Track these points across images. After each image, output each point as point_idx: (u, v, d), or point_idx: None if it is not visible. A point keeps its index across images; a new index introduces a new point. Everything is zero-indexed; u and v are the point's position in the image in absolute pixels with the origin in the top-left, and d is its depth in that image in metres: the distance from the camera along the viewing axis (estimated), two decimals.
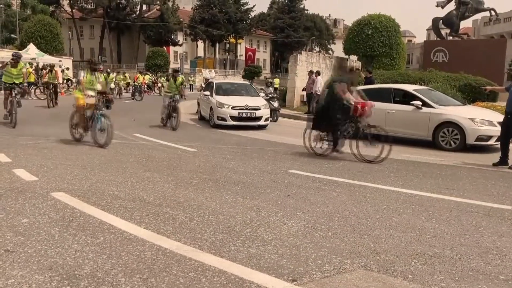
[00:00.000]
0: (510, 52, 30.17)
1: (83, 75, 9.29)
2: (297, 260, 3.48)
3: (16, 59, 11.72)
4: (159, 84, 34.27)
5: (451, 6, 27.33)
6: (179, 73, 13.83)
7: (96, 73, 9.40)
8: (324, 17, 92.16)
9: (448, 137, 10.05)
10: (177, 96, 12.69)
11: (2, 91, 16.04)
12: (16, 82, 11.51)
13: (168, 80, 13.15)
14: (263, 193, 5.61)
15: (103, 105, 9.10)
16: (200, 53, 68.49)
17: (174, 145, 9.51)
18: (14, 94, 11.24)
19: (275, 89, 24.72)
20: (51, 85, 18.69)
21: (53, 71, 19.63)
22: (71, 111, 9.55)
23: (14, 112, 11.05)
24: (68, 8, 59.46)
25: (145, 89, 30.21)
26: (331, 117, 8.43)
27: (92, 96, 9.00)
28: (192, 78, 43.41)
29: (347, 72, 8.11)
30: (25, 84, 12.39)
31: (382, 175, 7.02)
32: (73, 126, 9.36)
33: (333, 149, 8.53)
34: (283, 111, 18.22)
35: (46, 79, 19.54)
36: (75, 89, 9.62)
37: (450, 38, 27.99)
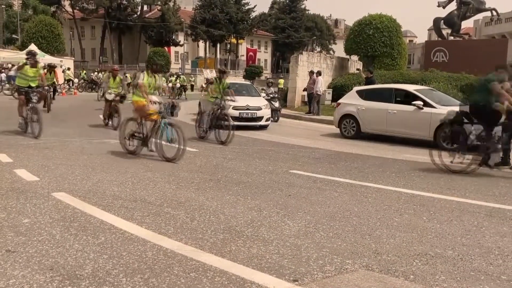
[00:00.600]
0: (511, 52, 30.11)
1: (142, 77, 8.07)
2: (298, 260, 3.47)
3: (34, 58, 10.20)
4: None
5: (453, 6, 27.30)
6: (227, 74, 11.65)
7: (156, 75, 8.22)
8: (325, 17, 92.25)
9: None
10: (223, 101, 10.52)
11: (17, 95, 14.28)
12: (32, 85, 9.97)
13: (209, 82, 10.94)
14: (264, 193, 5.61)
15: (168, 111, 7.80)
16: (201, 53, 68.53)
17: (175, 145, 9.48)
18: (32, 100, 9.69)
19: (280, 89, 24.74)
20: (49, 87, 16.68)
21: (52, 72, 18.35)
22: (122, 119, 8.81)
23: (35, 120, 9.52)
24: (69, 9, 59.50)
25: None
26: (487, 123, 7.34)
27: (156, 102, 7.78)
28: (193, 79, 43.48)
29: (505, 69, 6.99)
30: (46, 87, 10.97)
31: (384, 175, 7.01)
32: (127, 137, 8.07)
33: (483, 162, 7.32)
34: (284, 111, 18.22)
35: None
36: (133, 93, 8.17)
37: (452, 38, 27.96)
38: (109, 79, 12.68)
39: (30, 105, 9.65)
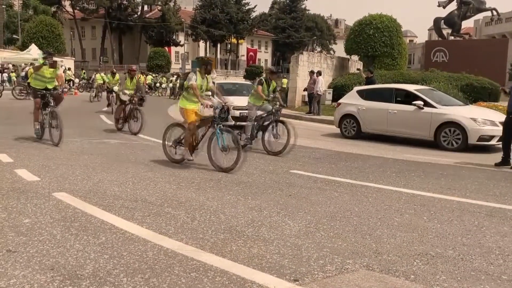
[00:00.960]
0: None
1: (195, 78, 7.09)
2: (299, 260, 3.47)
3: (52, 58, 9.26)
4: (158, 85, 34.27)
5: (453, 6, 27.33)
6: (277, 75, 10.12)
7: (208, 76, 7.36)
8: (326, 17, 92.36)
9: (450, 137, 10.03)
10: (275, 106, 9.08)
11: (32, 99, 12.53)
12: (49, 87, 9.16)
13: (260, 83, 9.39)
14: (264, 193, 5.61)
15: (221, 116, 6.94)
16: (202, 53, 68.52)
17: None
18: (50, 104, 8.89)
19: (283, 89, 24.70)
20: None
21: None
22: (164, 124, 8.07)
23: (54, 126, 8.73)
24: (69, 9, 59.55)
25: (146, 89, 30.28)
26: None
27: (211, 107, 6.95)
28: (139, 77, 43.49)
29: None
30: (64, 88, 9.88)
31: (384, 175, 7.01)
32: (173, 145, 7.35)
33: None
34: (284, 111, 18.18)
35: None
36: (181, 97, 7.35)
37: (452, 38, 27.98)
38: (125, 79, 11.94)
39: (49, 109, 8.85)
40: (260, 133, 9.09)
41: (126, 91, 11.50)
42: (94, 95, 23.75)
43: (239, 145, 6.95)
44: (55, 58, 9.41)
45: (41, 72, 9.01)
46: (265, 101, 9.18)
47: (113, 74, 17.83)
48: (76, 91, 29.97)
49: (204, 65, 7.33)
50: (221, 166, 6.91)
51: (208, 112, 6.97)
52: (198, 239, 3.86)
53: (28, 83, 23.89)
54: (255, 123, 9.15)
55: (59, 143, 8.52)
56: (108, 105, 17.32)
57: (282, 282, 3.08)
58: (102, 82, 23.25)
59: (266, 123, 9.04)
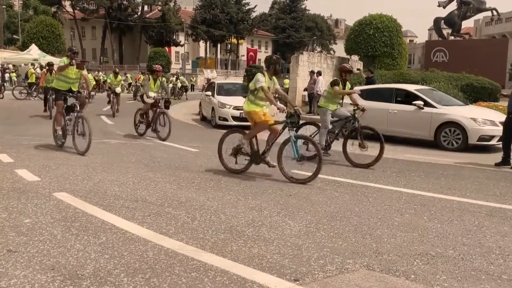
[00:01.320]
0: None
1: (263, 80, 6.40)
2: (299, 260, 3.48)
3: (77, 56, 8.57)
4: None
5: (453, 6, 27.33)
6: (353, 74, 8.51)
7: (274, 77, 6.69)
8: (326, 17, 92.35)
9: (450, 137, 10.03)
10: (345, 111, 8.34)
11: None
12: (73, 89, 8.41)
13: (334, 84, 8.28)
14: (265, 193, 5.61)
15: (293, 121, 6.29)
16: (202, 53, 68.57)
17: (176, 145, 9.51)
18: (76, 109, 8.11)
19: (286, 89, 24.69)
20: (50, 90, 13.43)
21: (53, 72, 15.04)
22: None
23: (80, 132, 7.94)
24: (70, 9, 59.55)
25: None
26: None
27: (284, 109, 6.26)
28: (193, 79, 43.54)
29: None
30: (92, 92, 9.00)
31: (384, 175, 7.02)
32: (233, 153, 6.72)
33: None
34: None
35: (43, 83, 15.63)
36: (248, 101, 6.63)
37: (452, 38, 27.99)
38: (149, 81, 11.03)
39: (74, 114, 8.06)
40: (333, 140, 8.19)
41: (151, 94, 10.65)
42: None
43: (320, 153, 6.18)
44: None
45: (66, 72, 8.28)
46: (338, 105, 8.30)
47: (116, 74, 17.51)
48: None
49: (272, 65, 6.53)
50: (294, 177, 6.23)
51: (277, 116, 6.12)
52: (199, 239, 3.87)
53: (29, 83, 23.93)
54: (336, 130, 8.21)
55: (85, 152, 7.73)
56: (109, 102, 17.08)
57: (282, 282, 3.09)
58: (94, 82, 22.46)
59: (346, 130, 8.20)
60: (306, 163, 6.39)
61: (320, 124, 8.28)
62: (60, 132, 8.34)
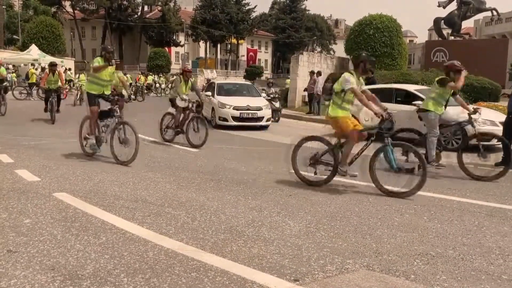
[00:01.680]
0: None
1: (351, 80, 5.73)
2: (299, 260, 3.48)
3: (113, 55, 7.76)
4: (157, 85, 34.24)
5: (453, 6, 27.31)
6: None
7: (361, 78, 6.01)
8: (326, 18, 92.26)
9: (450, 137, 10.01)
10: (453, 114, 7.51)
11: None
12: (106, 92, 7.71)
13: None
14: (265, 193, 5.61)
15: (387, 127, 5.70)
16: (202, 53, 68.57)
17: (176, 145, 9.51)
18: (115, 113, 7.36)
19: (285, 89, 24.65)
20: (53, 92, 13.56)
21: (56, 72, 14.07)
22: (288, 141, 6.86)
23: (122, 140, 7.18)
24: (70, 9, 59.56)
25: (145, 90, 30.30)
26: None
27: (382, 114, 5.59)
28: (193, 79, 43.68)
29: None
30: (131, 94, 7.94)
31: (384, 175, 6.99)
32: (311, 163, 6.04)
33: None
34: (284, 111, 18.23)
35: (45, 84, 14.10)
36: (329, 105, 5.98)
37: (452, 38, 27.98)
38: (180, 83, 9.99)
39: (113, 119, 7.37)
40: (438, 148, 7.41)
41: (185, 96, 9.73)
42: (77, 98, 19.89)
43: (424, 163, 5.51)
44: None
45: (99, 74, 7.54)
46: (443, 108, 7.39)
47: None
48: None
49: (362, 63, 5.79)
50: (391, 189, 5.56)
51: (368, 123, 5.47)
52: (199, 239, 3.87)
53: (29, 83, 23.92)
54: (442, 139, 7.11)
55: (131, 162, 7.00)
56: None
57: (282, 282, 3.09)
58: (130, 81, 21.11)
59: (458, 139, 6.96)
60: (402, 176, 5.63)
61: (426, 132, 7.41)
62: (94, 141, 7.46)
